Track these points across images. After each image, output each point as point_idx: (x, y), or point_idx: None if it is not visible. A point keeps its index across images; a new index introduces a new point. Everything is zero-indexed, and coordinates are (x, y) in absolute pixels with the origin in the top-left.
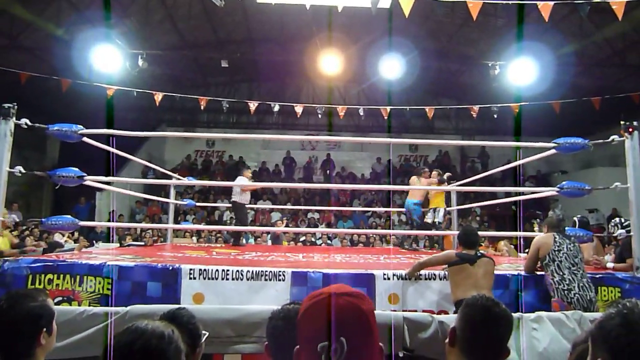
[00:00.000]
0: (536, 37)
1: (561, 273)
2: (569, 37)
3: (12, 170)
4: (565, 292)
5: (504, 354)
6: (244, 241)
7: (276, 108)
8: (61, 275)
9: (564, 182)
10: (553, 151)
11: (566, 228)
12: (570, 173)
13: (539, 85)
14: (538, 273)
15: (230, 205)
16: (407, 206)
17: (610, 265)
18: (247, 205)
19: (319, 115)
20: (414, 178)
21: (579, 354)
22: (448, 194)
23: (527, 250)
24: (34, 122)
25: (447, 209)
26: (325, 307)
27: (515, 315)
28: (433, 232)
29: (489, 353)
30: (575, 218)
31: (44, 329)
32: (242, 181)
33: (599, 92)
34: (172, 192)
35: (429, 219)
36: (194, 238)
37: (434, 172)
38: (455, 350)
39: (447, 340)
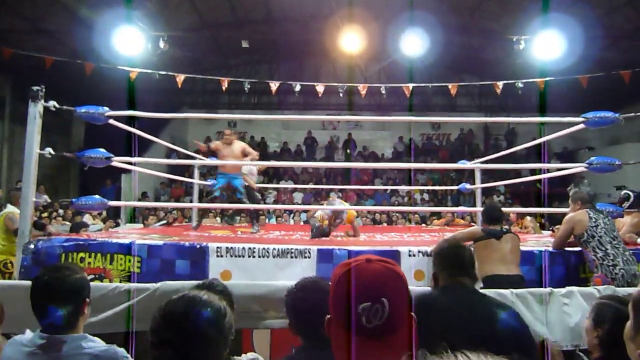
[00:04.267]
0: (562, 10)
1: (604, 248)
2: (597, 8)
3: (42, 152)
4: (610, 267)
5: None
6: (267, 221)
7: (297, 88)
8: (92, 254)
9: (593, 158)
10: (581, 126)
11: (599, 203)
12: (597, 150)
13: (566, 59)
14: (567, 249)
15: None
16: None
17: None
18: (260, 185)
19: (340, 95)
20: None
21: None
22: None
23: (552, 228)
24: (61, 105)
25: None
26: (362, 272)
27: (546, 289)
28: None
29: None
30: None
31: (87, 300)
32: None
33: (629, 65)
34: (196, 172)
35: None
36: (218, 218)
37: None
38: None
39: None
